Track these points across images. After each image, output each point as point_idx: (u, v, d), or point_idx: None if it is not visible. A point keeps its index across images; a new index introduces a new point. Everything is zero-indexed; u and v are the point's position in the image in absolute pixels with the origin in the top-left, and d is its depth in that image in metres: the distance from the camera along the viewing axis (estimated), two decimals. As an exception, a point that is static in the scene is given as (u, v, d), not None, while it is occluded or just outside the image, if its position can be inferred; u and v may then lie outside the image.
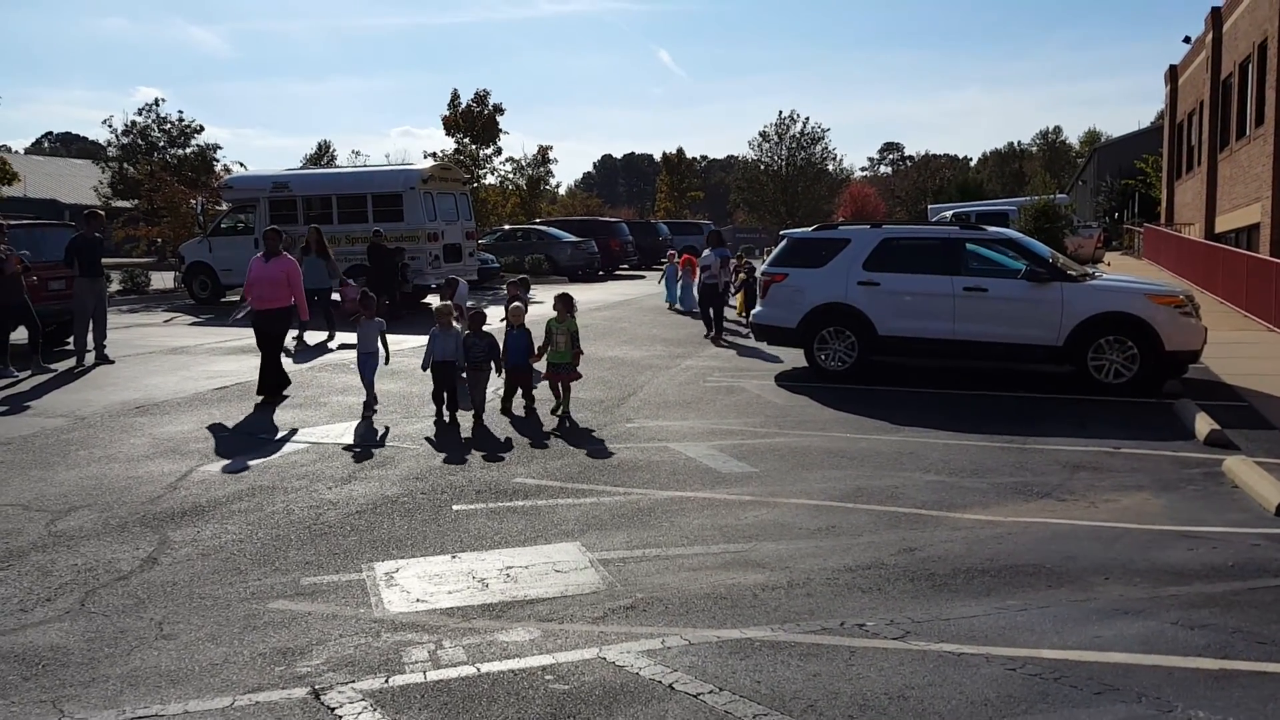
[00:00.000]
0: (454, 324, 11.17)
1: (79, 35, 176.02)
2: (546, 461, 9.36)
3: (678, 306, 23.12)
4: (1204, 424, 10.02)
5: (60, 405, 11.86)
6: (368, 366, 11.40)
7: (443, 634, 5.50)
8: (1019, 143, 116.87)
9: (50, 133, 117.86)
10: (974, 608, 5.73)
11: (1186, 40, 37.24)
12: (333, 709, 4.63)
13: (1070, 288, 12.58)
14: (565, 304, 11.51)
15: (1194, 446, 9.62)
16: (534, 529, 7.36)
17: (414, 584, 6.29)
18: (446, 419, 10.90)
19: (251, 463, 9.26)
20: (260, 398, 11.98)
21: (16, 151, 74.30)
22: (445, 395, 10.97)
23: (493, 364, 11.19)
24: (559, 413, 11.22)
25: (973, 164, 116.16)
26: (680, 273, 23.27)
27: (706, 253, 19.19)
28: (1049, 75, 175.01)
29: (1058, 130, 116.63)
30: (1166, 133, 42.64)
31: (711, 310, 18.42)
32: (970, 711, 4.50)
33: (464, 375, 11.07)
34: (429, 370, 11.05)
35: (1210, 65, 31.16)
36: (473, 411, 10.98)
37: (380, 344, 11.36)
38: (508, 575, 6.42)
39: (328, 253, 18.83)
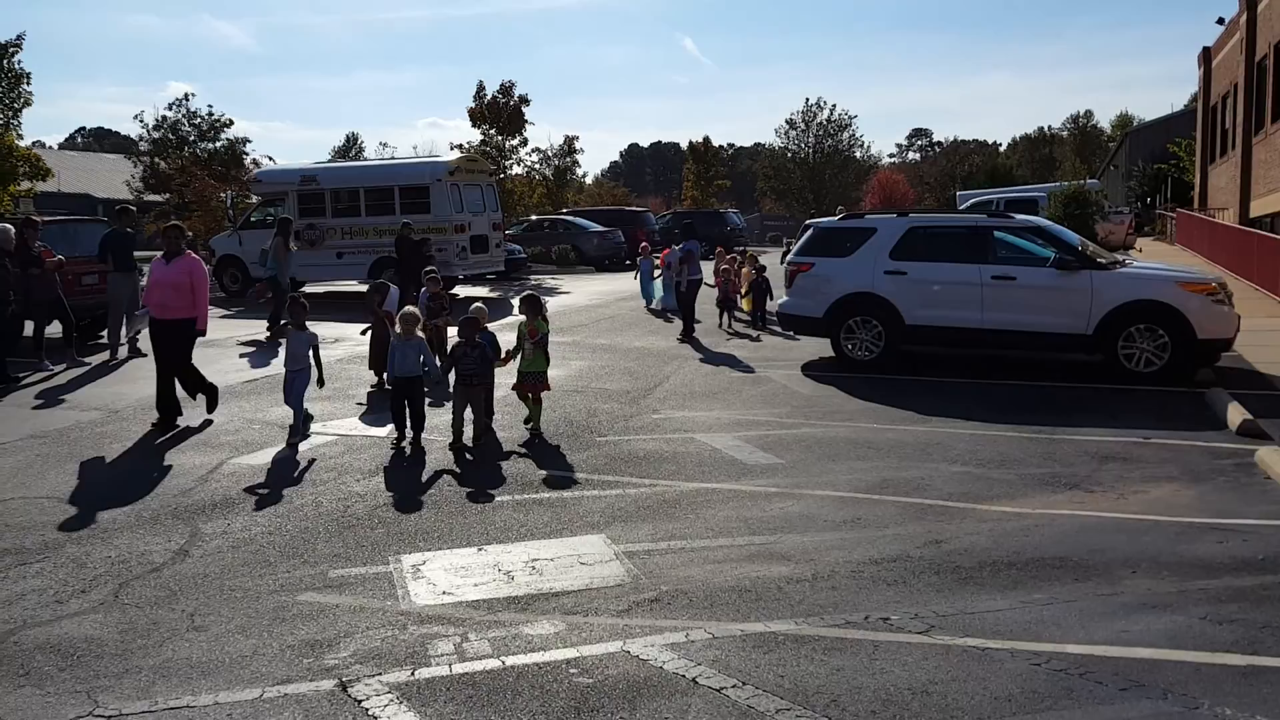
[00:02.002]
0: (417, 332, 9.73)
1: (109, 32, 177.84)
2: (572, 454, 9.39)
3: (655, 306, 20.96)
4: (1236, 414, 9.89)
5: (94, 399, 12.04)
6: (295, 384, 9.91)
7: (468, 627, 5.55)
8: (1049, 128, 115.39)
9: (83, 128, 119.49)
10: (999, 601, 5.71)
11: (1220, 21, 36.62)
12: (360, 701, 4.69)
13: (1100, 275, 12.45)
14: (531, 306, 10.24)
15: (1226, 437, 9.51)
16: (559, 521, 7.40)
17: (440, 576, 6.35)
18: (407, 448, 9.50)
19: (280, 455, 9.36)
20: (159, 424, 10.46)
21: (50, 147, 75.20)
22: (405, 415, 9.59)
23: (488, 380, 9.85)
24: (530, 426, 10.10)
25: (1002, 149, 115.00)
26: (658, 269, 20.96)
27: (675, 248, 17.83)
28: (1079, 58, 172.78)
29: (1088, 114, 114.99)
30: (1200, 116, 41.99)
31: (683, 309, 17.19)
32: (994, 707, 4.49)
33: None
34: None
35: (1244, 47, 30.63)
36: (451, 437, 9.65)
37: (312, 359, 9.90)
38: (533, 568, 6.46)
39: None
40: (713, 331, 17.58)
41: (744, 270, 19.71)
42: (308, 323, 10.19)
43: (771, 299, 18.26)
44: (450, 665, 5.06)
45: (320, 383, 10.08)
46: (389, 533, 7.23)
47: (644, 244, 23.84)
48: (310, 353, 9.90)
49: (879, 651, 5.08)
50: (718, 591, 5.97)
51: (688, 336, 16.85)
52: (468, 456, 9.33)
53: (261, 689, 4.84)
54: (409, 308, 10.07)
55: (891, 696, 4.60)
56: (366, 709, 4.62)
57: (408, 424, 9.63)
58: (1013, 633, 5.27)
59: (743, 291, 19.34)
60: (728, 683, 4.76)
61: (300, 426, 9.91)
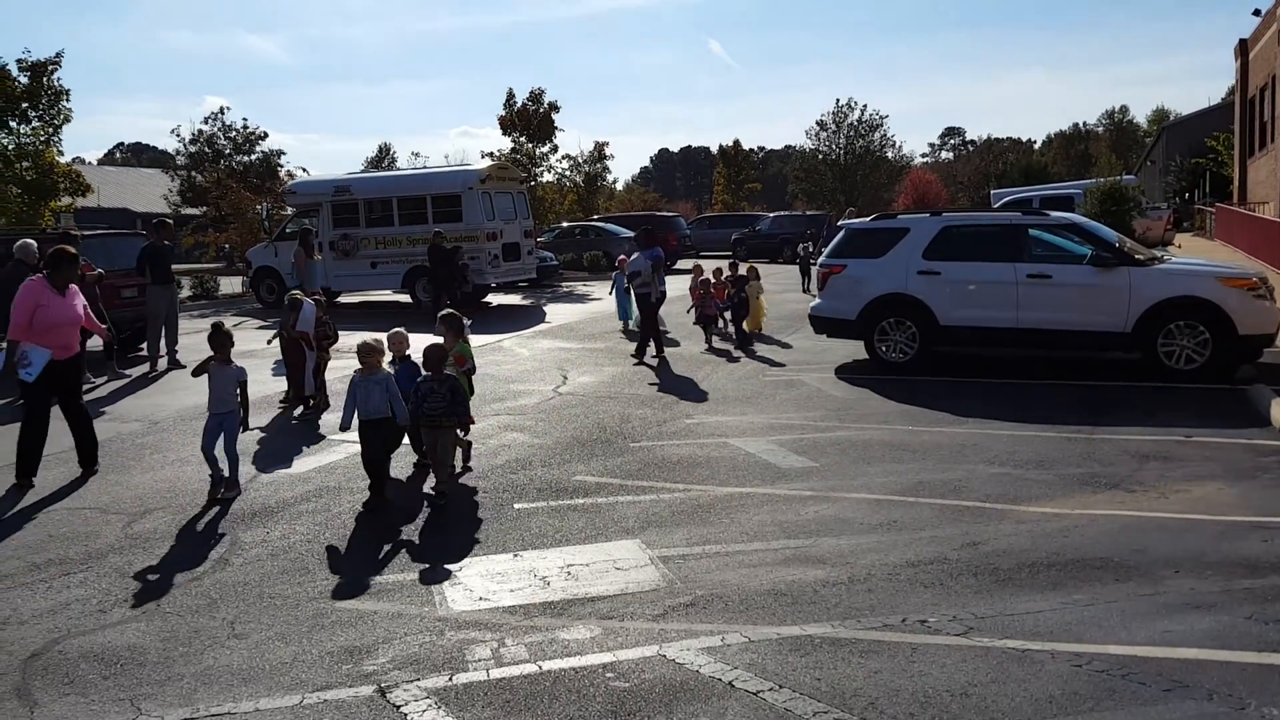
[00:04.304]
0: (383, 365, 8.34)
1: (146, 48, 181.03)
2: (606, 459, 9.40)
3: (633, 325, 17.87)
4: (1279, 410, 9.74)
5: (134, 410, 12.22)
6: (227, 431, 8.40)
7: (505, 632, 5.57)
8: (1084, 124, 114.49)
9: (121, 143, 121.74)
10: (1039, 603, 5.65)
11: (1256, 13, 36.07)
12: (399, 707, 4.72)
13: (1138, 272, 12.29)
14: (450, 326, 8.98)
15: (1269, 434, 9.35)
16: (594, 527, 7.41)
17: (477, 582, 6.38)
18: (389, 495, 8.19)
19: (318, 464, 9.44)
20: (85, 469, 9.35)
21: (90, 163, 76.54)
22: (379, 466, 8.19)
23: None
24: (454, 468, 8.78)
25: (1037, 147, 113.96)
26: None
27: (636, 256, 15.72)
28: (1113, 53, 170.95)
29: (1124, 110, 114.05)
30: (1238, 109, 41.36)
31: (646, 324, 15.39)
32: (1034, 709, 4.44)
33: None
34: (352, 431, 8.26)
35: (1283, 38, 30.16)
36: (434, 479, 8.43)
37: (239, 399, 8.47)
38: (568, 573, 6.47)
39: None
40: (695, 346, 16.42)
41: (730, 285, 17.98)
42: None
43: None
44: (488, 670, 5.08)
45: (245, 425, 8.64)
46: (425, 540, 7.28)
47: (620, 257, 20.90)
48: (238, 391, 8.47)
49: (917, 654, 5.04)
50: (753, 595, 5.95)
51: (650, 355, 15.13)
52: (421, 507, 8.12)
53: (302, 695, 4.89)
54: (379, 336, 8.60)
55: (930, 699, 4.56)
56: (405, 714, 4.65)
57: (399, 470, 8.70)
58: (1053, 634, 5.21)
59: (726, 303, 17.56)
60: (764, 686, 4.75)
61: (236, 478, 8.53)
